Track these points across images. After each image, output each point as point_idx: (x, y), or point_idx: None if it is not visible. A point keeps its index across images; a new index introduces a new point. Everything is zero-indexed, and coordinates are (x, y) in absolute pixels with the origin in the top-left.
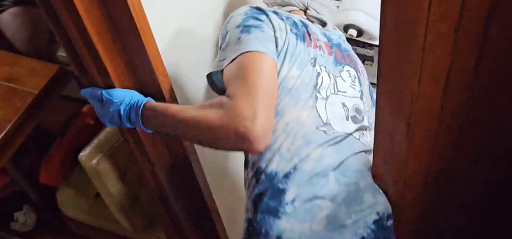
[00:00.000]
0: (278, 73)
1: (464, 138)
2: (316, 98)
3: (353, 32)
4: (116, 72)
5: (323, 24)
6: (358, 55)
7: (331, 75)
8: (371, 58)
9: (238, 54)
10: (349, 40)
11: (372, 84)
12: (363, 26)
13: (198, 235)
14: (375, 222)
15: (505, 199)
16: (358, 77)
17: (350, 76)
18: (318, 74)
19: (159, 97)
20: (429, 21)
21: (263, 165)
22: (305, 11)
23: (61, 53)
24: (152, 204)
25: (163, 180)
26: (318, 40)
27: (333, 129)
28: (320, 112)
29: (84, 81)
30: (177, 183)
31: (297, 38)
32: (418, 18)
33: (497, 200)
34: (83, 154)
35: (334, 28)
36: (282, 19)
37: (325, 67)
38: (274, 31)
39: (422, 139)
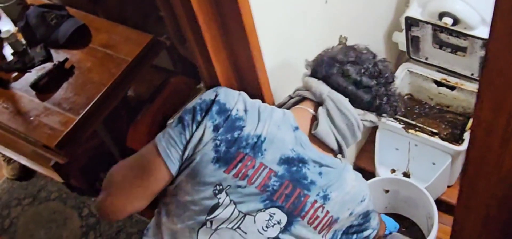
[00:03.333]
0: (175, 180)
1: None
2: (202, 224)
3: (448, 21)
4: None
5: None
6: (451, 45)
7: (238, 210)
8: (464, 49)
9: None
10: (444, 28)
11: (465, 76)
12: (460, 14)
13: None
14: None
15: None
16: (290, 225)
17: (269, 219)
18: (217, 204)
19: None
20: None
21: None
22: (318, 105)
23: (154, 23)
24: None
25: None
26: (253, 167)
27: None
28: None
29: (180, 51)
30: None
31: (212, 160)
32: None
33: None
34: (171, 121)
35: (340, 159)
36: (229, 130)
37: (234, 200)
38: (188, 141)
39: None
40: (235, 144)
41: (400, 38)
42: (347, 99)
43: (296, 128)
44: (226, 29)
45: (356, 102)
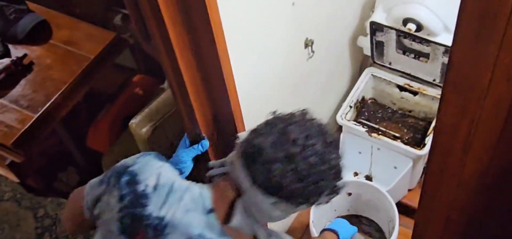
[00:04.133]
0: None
1: None
2: None
3: (412, 27)
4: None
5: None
6: (414, 50)
7: None
8: (427, 55)
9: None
10: (407, 34)
11: (427, 82)
12: (423, 21)
13: None
14: None
15: None
16: None
17: None
18: None
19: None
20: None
21: None
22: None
23: (118, 22)
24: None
25: (212, 156)
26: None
27: None
28: None
29: (145, 49)
30: None
31: (117, 230)
32: (500, 12)
33: None
34: (134, 122)
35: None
36: (133, 204)
37: None
38: (98, 200)
39: (484, 139)
40: (138, 220)
41: (365, 42)
42: (270, 200)
43: (210, 211)
44: (192, 27)
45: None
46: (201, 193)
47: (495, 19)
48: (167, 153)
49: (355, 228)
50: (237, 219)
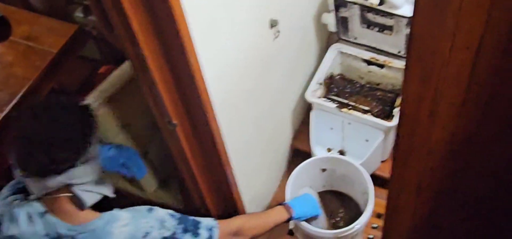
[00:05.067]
0: None
1: (491, 108)
2: None
3: (374, 1)
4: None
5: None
6: (378, 24)
7: None
8: (390, 28)
9: None
10: (370, 8)
11: (393, 54)
12: None
13: (214, 198)
14: None
15: None
16: None
17: None
18: None
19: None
20: None
21: None
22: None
23: (79, 14)
24: (166, 164)
25: (183, 141)
26: None
27: None
28: None
29: (108, 39)
30: (197, 145)
31: None
32: None
33: None
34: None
35: None
36: None
37: None
38: None
39: (448, 106)
40: None
41: (329, 19)
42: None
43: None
44: (154, 14)
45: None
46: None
47: None
48: (118, 133)
49: (319, 211)
50: None
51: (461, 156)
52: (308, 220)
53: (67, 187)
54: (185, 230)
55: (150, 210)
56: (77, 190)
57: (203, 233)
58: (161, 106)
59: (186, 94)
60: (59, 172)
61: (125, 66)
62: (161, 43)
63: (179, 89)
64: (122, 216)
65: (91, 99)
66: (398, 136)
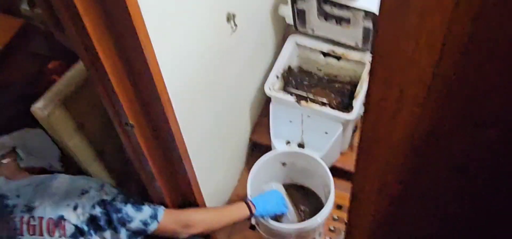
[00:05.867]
0: None
1: (451, 106)
2: None
3: None
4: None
5: None
6: (335, 16)
7: None
8: (348, 20)
9: None
10: (327, 0)
11: (350, 47)
12: None
13: (172, 195)
14: None
15: (490, 163)
16: None
17: None
18: None
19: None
20: None
21: None
22: None
23: (25, 6)
24: (123, 163)
25: (141, 142)
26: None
27: None
28: None
29: (57, 38)
30: (155, 143)
31: None
32: None
33: (484, 163)
34: (35, 105)
35: None
36: None
37: None
38: None
39: (411, 105)
40: None
41: (287, 11)
42: None
43: None
44: (108, 12)
45: None
46: None
47: None
48: (73, 134)
49: (285, 209)
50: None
51: (422, 152)
52: (276, 216)
53: None
54: (127, 201)
55: (93, 178)
56: None
57: (147, 209)
58: (118, 108)
59: (143, 92)
60: None
61: (79, 66)
62: (116, 42)
63: (136, 88)
64: (61, 176)
65: (46, 101)
66: (362, 133)
